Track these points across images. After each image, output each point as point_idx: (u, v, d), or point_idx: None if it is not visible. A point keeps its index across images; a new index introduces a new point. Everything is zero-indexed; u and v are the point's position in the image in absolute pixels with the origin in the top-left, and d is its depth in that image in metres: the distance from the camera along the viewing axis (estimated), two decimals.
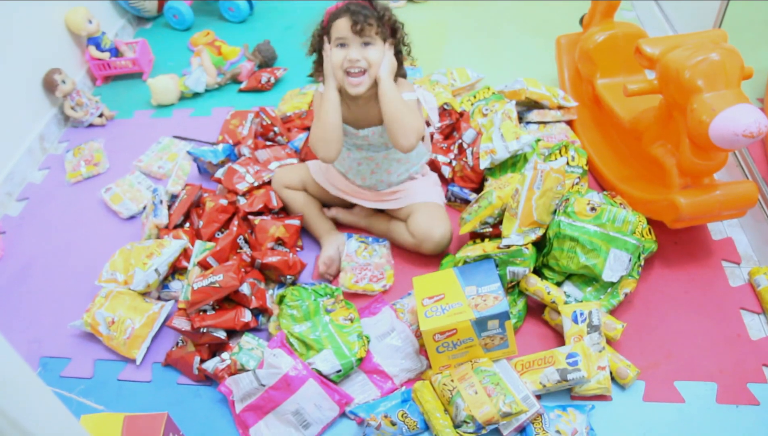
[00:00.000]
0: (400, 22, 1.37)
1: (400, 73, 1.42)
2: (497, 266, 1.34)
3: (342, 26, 1.31)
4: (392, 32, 1.35)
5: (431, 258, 1.54)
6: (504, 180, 1.47)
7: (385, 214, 1.61)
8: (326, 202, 1.66)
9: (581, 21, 1.99)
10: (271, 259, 1.47)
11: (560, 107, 1.82)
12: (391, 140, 1.37)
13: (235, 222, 1.56)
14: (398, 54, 1.39)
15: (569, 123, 1.83)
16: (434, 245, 1.47)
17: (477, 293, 1.25)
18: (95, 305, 1.45)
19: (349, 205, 1.65)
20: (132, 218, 1.80)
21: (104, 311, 1.42)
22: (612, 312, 1.37)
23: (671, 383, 1.26)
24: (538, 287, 1.36)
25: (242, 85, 2.28)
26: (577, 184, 1.58)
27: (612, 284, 1.36)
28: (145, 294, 1.51)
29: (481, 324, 1.20)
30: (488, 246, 1.38)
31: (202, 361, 1.35)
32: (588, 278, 1.38)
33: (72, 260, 1.70)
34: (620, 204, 1.49)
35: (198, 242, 1.53)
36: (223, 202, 1.62)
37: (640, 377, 1.28)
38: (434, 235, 1.46)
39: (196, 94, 2.29)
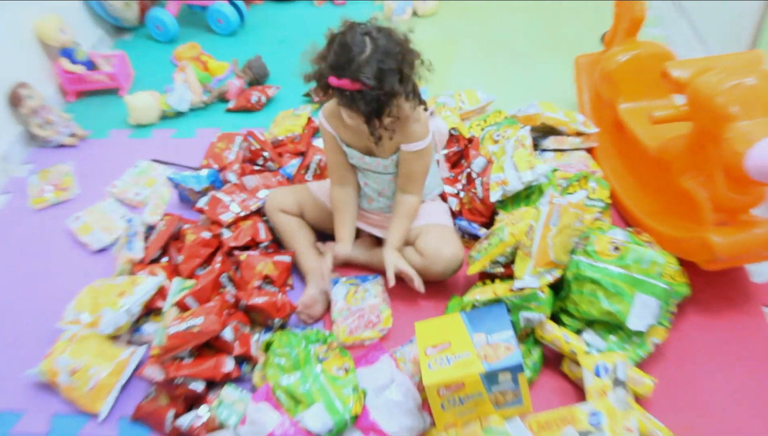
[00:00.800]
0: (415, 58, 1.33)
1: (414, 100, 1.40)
2: (509, 311, 1.33)
3: None
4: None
5: (435, 301, 1.52)
6: (517, 215, 1.47)
7: None
8: (324, 230, 1.65)
9: (603, 39, 2.01)
10: (258, 300, 1.46)
11: (579, 134, 1.83)
12: None
13: (219, 258, 1.55)
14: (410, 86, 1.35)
15: (589, 151, 1.84)
16: (444, 263, 1.48)
17: (487, 341, 1.23)
18: (56, 350, 1.42)
19: None
20: (103, 250, 1.78)
21: (67, 356, 1.40)
22: (640, 365, 1.35)
23: None
24: (556, 335, 1.34)
25: (230, 105, 2.29)
26: (598, 219, 1.57)
27: (639, 333, 1.35)
28: (114, 338, 1.48)
29: (491, 378, 1.18)
30: (499, 288, 1.37)
31: (177, 416, 1.32)
32: (611, 326, 1.36)
33: (32, 297, 1.68)
34: (647, 242, 1.48)
35: (176, 280, 1.51)
36: (206, 235, 1.61)
37: None
38: (444, 253, 1.48)
39: (178, 114, 2.29)
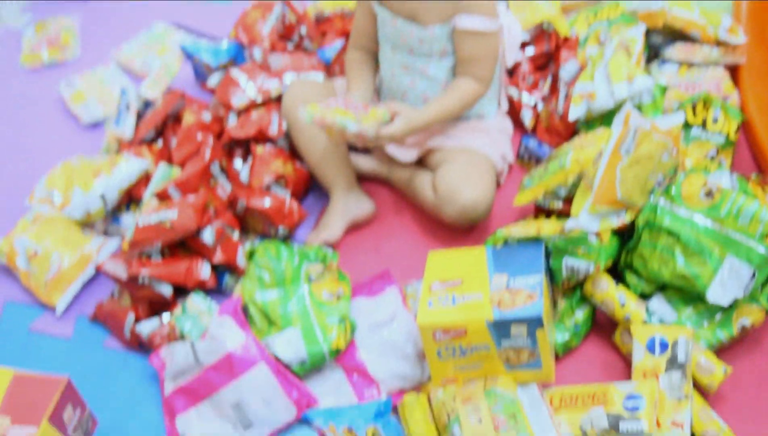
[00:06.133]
0: None
1: None
2: (549, 254, 1.41)
3: None
4: None
5: (475, 233, 1.63)
6: (590, 137, 1.52)
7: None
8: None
9: None
10: (262, 202, 1.60)
11: (720, 43, 1.80)
12: None
13: (209, 142, 1.68)
14: None
15: (731, 69, 1.81)
16: (458, 210, 1.56)
17: (507, 285, 1.33)
18: (18, 229, 1.66)
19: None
20: (96, 125, 2.01)
21: (28, 237, 1.63)
22: (717, 351, 1.39)
23: None
24: (609, 293, 1.41)
25: None
26: (713, 158, 1.59)
27: (723, 308, 1.39)
28: (85, 225, 1.70)
29: (501, 328, 1.28)
30: (547, 226, 1.44)
31: (138, 320, 1.53)
32: (689, 295, 1.41)
33: (6, 168, 1.93)
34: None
35: (161, 165, 1.68)
36: (206, 117, 1.77)
37: None
38: (461, 196, 1.55)
39: None
